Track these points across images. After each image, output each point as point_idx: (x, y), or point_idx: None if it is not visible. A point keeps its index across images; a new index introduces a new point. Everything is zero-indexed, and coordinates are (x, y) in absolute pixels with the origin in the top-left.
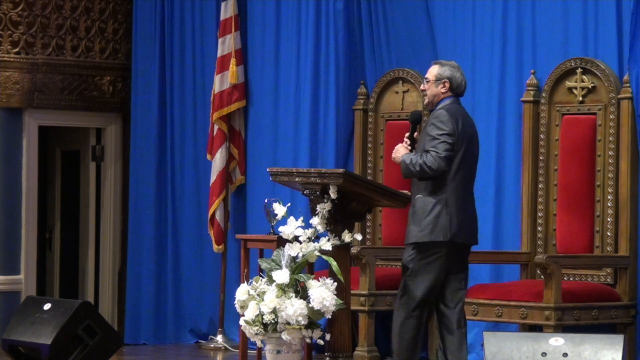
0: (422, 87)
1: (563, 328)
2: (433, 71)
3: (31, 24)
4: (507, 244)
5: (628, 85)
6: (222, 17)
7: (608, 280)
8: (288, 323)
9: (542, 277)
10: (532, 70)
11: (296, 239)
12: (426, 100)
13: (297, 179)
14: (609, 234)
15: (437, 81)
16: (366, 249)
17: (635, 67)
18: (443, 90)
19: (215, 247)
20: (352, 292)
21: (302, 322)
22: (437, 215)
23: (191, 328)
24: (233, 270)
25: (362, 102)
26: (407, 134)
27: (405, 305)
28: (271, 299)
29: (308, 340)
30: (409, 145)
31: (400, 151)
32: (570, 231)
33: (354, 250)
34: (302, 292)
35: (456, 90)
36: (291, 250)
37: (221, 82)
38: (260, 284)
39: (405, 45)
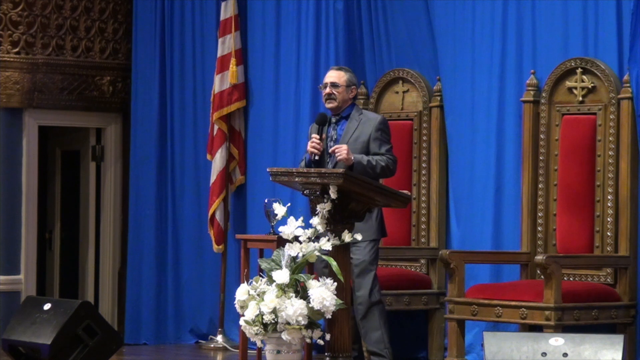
0: (327, 90)
1: (563, 328)
2: (342, 76)
3: (31, 24)
4: (507, 244)
5: (628, 85)
6: (222, 17)
7: (608, 280)
8: (288, 323)
9: (542, 277)
10: (532, 70)
11: (296, 239)
12: (334, 104)
13: (297, 179)
14: (609, 234)
15: (348, 87)
16: None
17: (635, 67)
18: (351, 96)
19: (215, 247)
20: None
21: (302, 322)
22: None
23: (191, 328)
24: (233, 270)
25: (362, 102)
26: (316, 135)
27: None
28: (271, 299)
29: (308, 340)
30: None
31: (345, 149)
32: (570, 231)
33: None
34: (302, 292)
35: (356, 96)
36: (291, 250)
37: (221, 82)
38: (260, 284)
39: (405, 45)
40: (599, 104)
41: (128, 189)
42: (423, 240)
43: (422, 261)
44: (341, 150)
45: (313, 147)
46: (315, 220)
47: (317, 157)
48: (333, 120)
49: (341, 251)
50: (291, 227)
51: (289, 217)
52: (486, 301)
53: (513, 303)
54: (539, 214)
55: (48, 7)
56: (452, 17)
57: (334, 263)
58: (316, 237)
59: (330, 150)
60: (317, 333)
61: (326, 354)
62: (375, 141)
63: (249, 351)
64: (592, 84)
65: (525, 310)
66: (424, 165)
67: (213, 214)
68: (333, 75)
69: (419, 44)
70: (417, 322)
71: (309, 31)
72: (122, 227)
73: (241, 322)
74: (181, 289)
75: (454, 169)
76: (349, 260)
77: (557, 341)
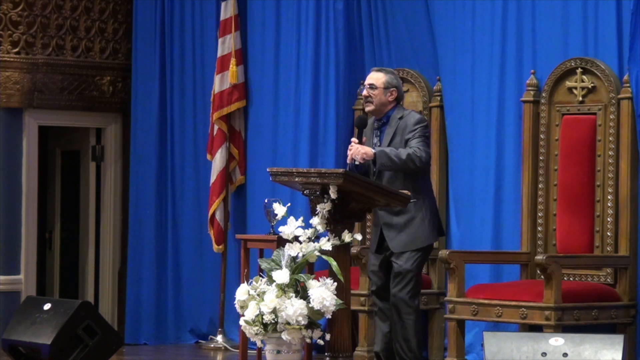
0: (364, 92)
1: (563, 328)
2: (380, 78)
3: (31, 24)
4: (507, 244)
5: (628, 85)
6: (222, 17)
7: (608, 280)
8: (288, 323)
9: (542, 277)
10: (532, 70)
11: (296, 239)
12: (371, 107)
13: (297, 179)
14: (609, 234)
15: (386, 89)
16: (366, 248)
17: (635, 67)
18: (391, 98)
19: (215, 247)
20: (352, 292)
21: (302, 322)
22: (430, 218)
23: (191, 328)
24: (233, 270)
25: (362, 102)
26: (354, 138)
27: (417, 308)
28: (271, 299)
29: (308, 340)
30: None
31: (363, 147)
32: (570, 231)
33: (354, 250)
34: (302, 292)
35: (400, 99)
36: (291, 250)
37: (221, 82)
38: (260, 284)
39: (405, 45)
40: (599, 104)
41: (128, 189)
42: None
43: None
44: (354, 153)
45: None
46: (315, 220)
47: (357, 162)
48: (376, 125)
49: (341, 251)
50: (291, 227)
51: (289, 217)
52: (486, 301)
53: (513, 303)
54: (539, 214)
55: (48, 7)
56: (452, 17)
57: (334, 263)
58: (316, 237)
59: (348, 160)
60: (317, 333)
61: (326, 354)
62: (409, 141)
63: (249, 351)
64: (592, 84)
65: (525, 310)
66: None
67: (213, 214)
68: (371, 77)
69: (419, 44)
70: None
71: (309, 31)
72: (122, 227)
73: (241, 322)
74: (181, 289)
75: (454, 169)
76: (349, 260)
77: (557, 341)
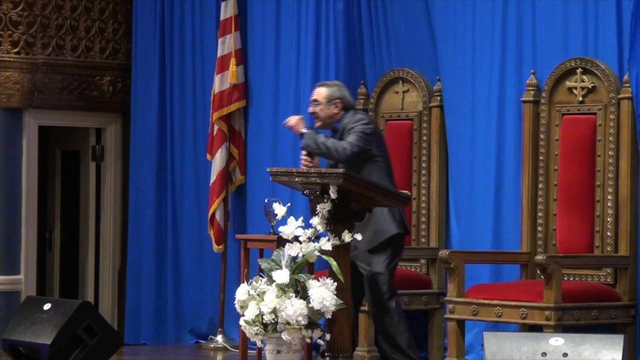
0: (310, 109)
1: (563, 328)
2: (322, 93)
3: (31, 24)
4: (507, 244)
5: (628, 85)
6: (222, 17)
7: (608, 280)
8: (288, 323)
9: (542, 277)
10: (532, 70)
11: (296, 239)
12: (319, 123)
13: (297, 179)
14: (609, 234)
15: (329, 102)
16: None
17: (635, 67)
18: (336, 110)
19: (215, 247)
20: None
21: (302, 322)
22: (389, 210)
23: (191, 328)
24: (233, 270)
25: (362, 102)
26: (304, 152)
27: (398, 308)
28: (271, 299)
29: (308, 340)
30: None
31: (300, 124)
32: (570, 231)
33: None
34: (302, 292)
35: (349, 108)
36: (291, 250)
37: (221, 82)
38: (260, 284)
39: (405, 45)
40: (599, 104)
41: (128, 189)
42: (423, 240)
43: (422, 261)
44: (291, 119)
45: (305, 166)
46: (315, 220)
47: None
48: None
49: (341, 251)
50: (291, 227)
51: (289, 217)
52: (486, 301)
53: (513, 303)
54: (539, 214)
55: (48, 7)
56: (452, 17)
57: (334, 263)
58: (316, 237)
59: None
60: (317, 333)
61: (326, 354)
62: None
63: (249, 351)
64: (592, 84)
65: (525, 310)
66: (424, 165)
67: (213, 214)
68: (314, 93)
69: (419, 44)
70: (417, 322)
71: (309, 31)
72: (122, 227)
73: (241, 322)
74: (181, 289)
75: (454, 169)
76: (349, 260)
77: (557, 341)
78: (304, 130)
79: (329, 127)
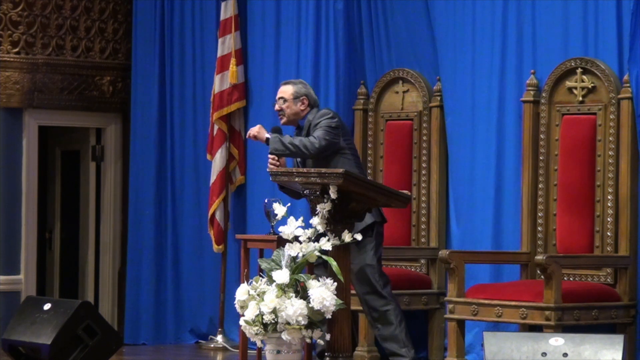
0: (276, 107)
1: (563, 328)
2: (288, 90)
3: (31, 24)
4: (507, 244)
5: (628, 85)
6: (222, 17)
7: (608, 280)
8: (288, 323)
9: (542, 277)
10: (532, 70)
11: (296, 239)
12: (284, 120)
13: (297, 179)
14: (609, 234)
15: (296, 99)
16: None
17: (635, 67)
18: (302, 107)
19: (215, 247)
20: (352, 292)
21: (302, 322)
22: None
23: (191, 328)
24: (233, 270)
25: (362, 102)
26: (271, 155)
27: (393, 297)
28: (271, 299)
29: (308, 340)
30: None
31: (262, 131)
32: (570, 231)
33: None
34: (302, 292)
35: (314, 105)
36: (291, 250)
37: (221, 82)
38: (260, 284)
39: (405, 45)
40: (599, 104)
41: (128, 189)
42: (423, 240)
43: (422, 261)
44: (251, 131)
45: (271, 166)
46: (315, 220)
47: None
48: (296, 134)
49: (341, 251)
50: (291, 227)
51: (289, 217)
52: (486, 301)
53: (513, 303)
54: (539, 214)
55: (48, 7)
56: (452, 17)
57: (334, 263)
58: (316, 237)
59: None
60: (317, 333)
61: (326, 354)
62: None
63: (249, 351)
64: (592, 84)
65: (525, 310)
66: (424, 165)
67: (213, 214)
68: (280, 91)
69: (419, 44)
70: (417, 322)
71: (309, 31)
72: (122, 227)
73: (241, 322)
74: (181, 289)
75: (454, 169)
76: (349, 260)
77: (557, 341)
78: (268, 136)
79: (294, 123)
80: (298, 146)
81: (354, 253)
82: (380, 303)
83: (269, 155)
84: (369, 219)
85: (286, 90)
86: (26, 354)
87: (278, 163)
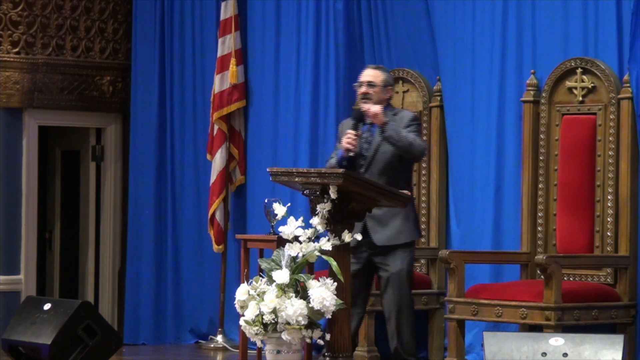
0: (363, 89)
1: (563, 328)
2: (379, 76)
3: (31, 24)
4: (507, 244)
5: (628, 85)
6: (222, 17)
7: (608, 280)
8: (288, 323)
9: (542, 277)
10: (532, 70)
11: (296, 239)
12: (366, 106)
13: (297, 179)
14: (609, 234)
15: (385, 87)
16: None
17: (635, 67)
18: (387, 97)
19: (215, 247)
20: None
21: (302, 322)
22: (415, 215)
23: (191, 328)
24: (233, 270)
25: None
26: (352, 131)
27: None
28: (271, 299)
29: (308, 340)
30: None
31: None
32: (570, 231)
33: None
34: (302, 292)
35: (390, 100)
36: (291, 250)
37: (221, 82)
38: (260, 284)
39: (405, 45)
40: (599, 104)
41: (128, 189)
42: (423, 240)
43: (422, 261)
44: (373, 108)
45: (348, 143)
46: (315, 220)
47: (351, 154)
48: (368, 120)
49: (341, 251)
50: (291, 227)
51: (289, 217)
52: (486, 301)
53: (513, 303)
54: (539, 214)
55: (48, 7)
56: (452, 17)
57: (334, 263)
58: (316, 237)
59: (343, 151)
60: (317, 333)
61: (326, 354)
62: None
63: (249, 351)
64: (592, 84)
65: (525, 310)
66: (424, 165)
67: (213, 214)
68: (370, 74)
69: (419, 44)
70: (417, 322)
71: (309, 31)
72: (122, 227)
73: (241, 322)
74: (181, 289)
75: (454, 169)
76: (349, 260)
77: (557, 341)
78: (387, 119)
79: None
80: (411, 143)
81: (389, 256)
82: (406, 312)
83: (351, 133)
84: (415, 235)
85: (377, 76)
86: (26, 354)
87: (355, 143)
